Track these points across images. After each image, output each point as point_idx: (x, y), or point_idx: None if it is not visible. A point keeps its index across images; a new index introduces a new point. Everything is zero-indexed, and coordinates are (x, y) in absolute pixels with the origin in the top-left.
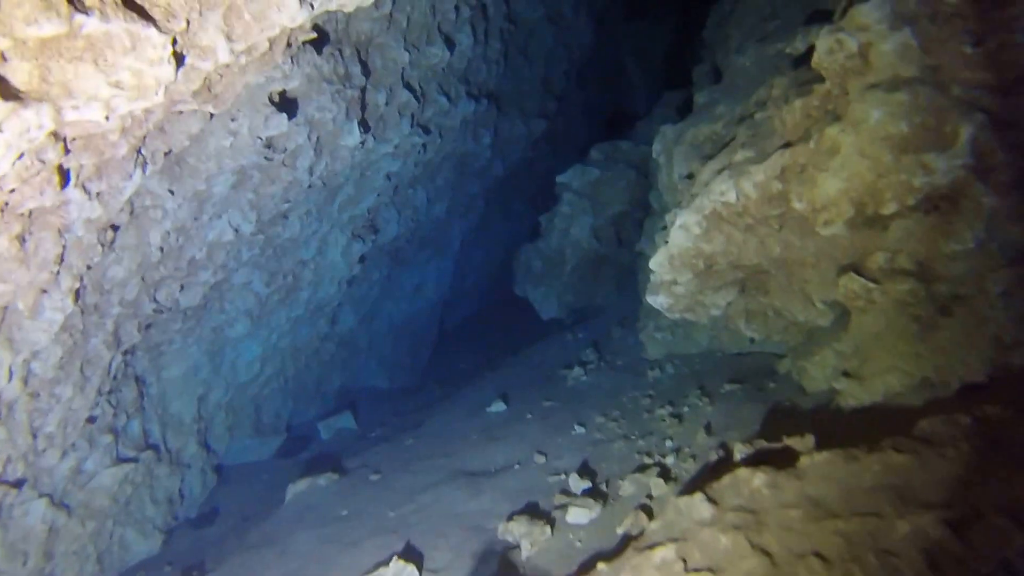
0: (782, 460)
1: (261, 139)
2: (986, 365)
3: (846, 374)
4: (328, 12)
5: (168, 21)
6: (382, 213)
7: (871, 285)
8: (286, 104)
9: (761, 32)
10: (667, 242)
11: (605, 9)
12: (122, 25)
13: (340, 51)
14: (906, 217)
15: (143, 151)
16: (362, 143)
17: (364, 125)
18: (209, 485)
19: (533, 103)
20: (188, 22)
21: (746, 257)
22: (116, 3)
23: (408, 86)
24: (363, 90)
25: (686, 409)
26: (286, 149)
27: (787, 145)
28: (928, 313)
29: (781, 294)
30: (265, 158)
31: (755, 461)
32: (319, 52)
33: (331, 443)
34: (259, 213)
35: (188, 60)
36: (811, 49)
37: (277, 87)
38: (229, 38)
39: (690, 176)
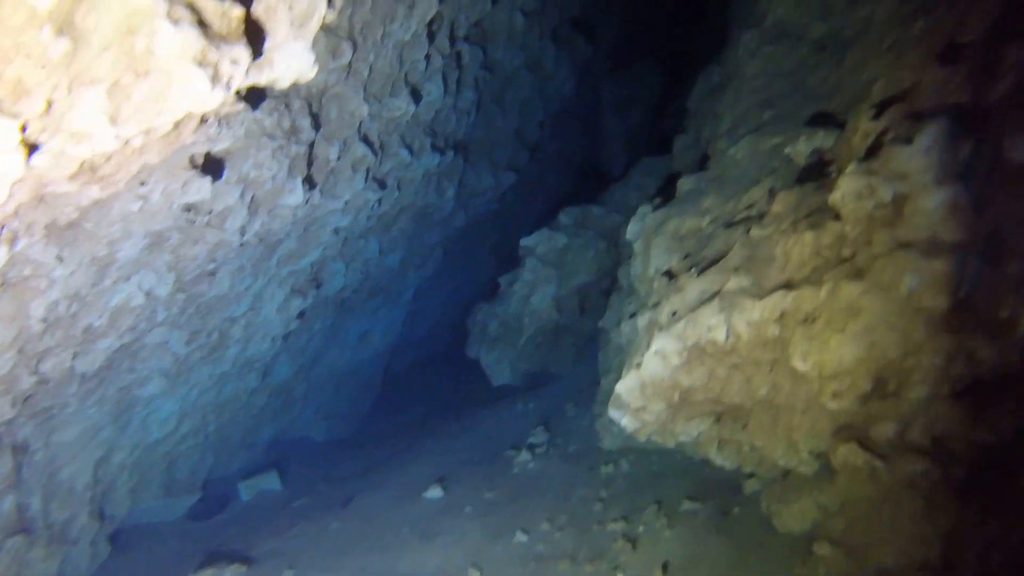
0: None
1: (179, 204)
2: (1014, 569)
3: (829, 539)
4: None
5: (17, 101)
6: (328, 266)
7: (876, 463)
8: (213, 164)
9: (756, 120)
10: (639, 365)
11: (588, 61)
12: None
13: (287, 103)
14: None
15: (14, 225)
16: (307, 200)
17: (310, 181)
18: (100, 558)
19: (504, 154)
20: (50, 104)
21: (728, 395)
22: None
23: (365, 140)
24: (311, 145)
25: (641, 529)
26: (212, 211)
27: (789, 285)
28: (941, 495)
29: (762, 434)
30: (187, 220)
31: None
32: (260, 104)
33: (250, 506)
34: (178, 274)
35: (55, 145)
36: (821, 161)
37: (201, 149)
38: (114, 121)
39: (668, 274)
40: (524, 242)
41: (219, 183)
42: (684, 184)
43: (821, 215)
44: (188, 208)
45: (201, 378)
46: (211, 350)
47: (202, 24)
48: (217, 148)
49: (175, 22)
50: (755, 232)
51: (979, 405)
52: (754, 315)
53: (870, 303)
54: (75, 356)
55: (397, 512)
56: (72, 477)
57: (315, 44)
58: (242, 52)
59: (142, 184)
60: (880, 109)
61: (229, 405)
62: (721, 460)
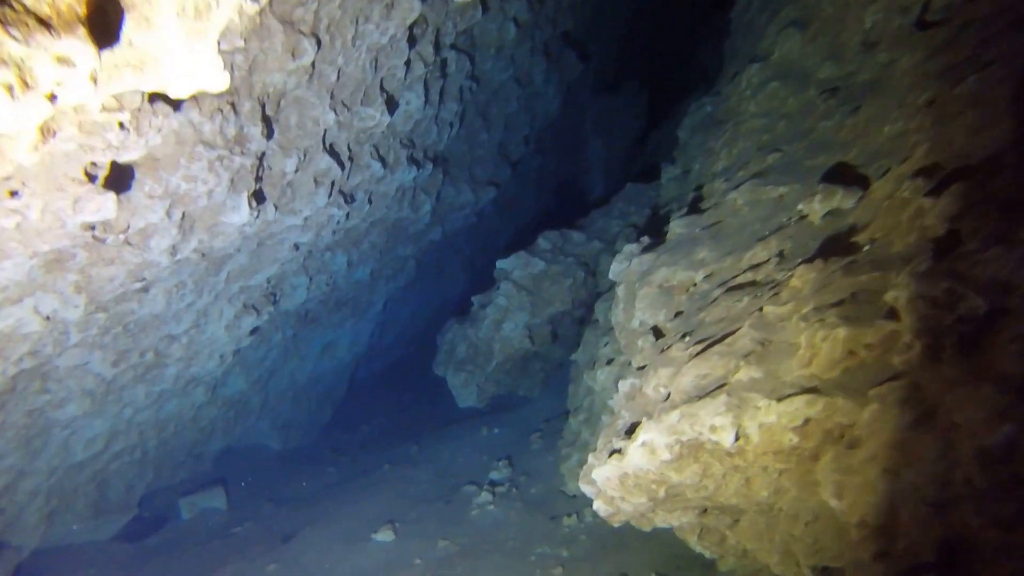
0: None
1: (75, 222)
2: None
3: None
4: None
5: None
6: (288, 280)
7: None
8: (121, 177)
9: (758, 164)
10: (621, 454)
11: (576, 79)
12: None
13: (234, 106)
14: None
15: None
16: (256, 217)
17: (259, 196)
18: None
19: (485, 169)
20: None
21: (722, 495)
22: None
23: (332, 151)
24: (261, 156)
25: None
26: (128, 228)
27: (816, 389)
28: None
29: (755, 538)
30: (93, 238)
31: None
32: (182, 106)
33: (188, 527)
34: (92, 295)
35: None
36: (843, 229)
37: (101, 159)
38: None
39: (655, 331)
40: (500, 264)
41: (136, 199)
42: (676, 227)
43: (859, 307)
44: (91, 227)
45: (136, 396)
46: (146, 369)
47: None
48: (126, 158)
49: None
50: (770, 310)
51: None
52: (770, 418)
53: (939, 452)
54: None
55: (341, 558)
56: None
57: (267, 38)
58: (79, 49)
59: (15, 195)
60: (937, 182)
61: (172, 421)
62: (701, 549)
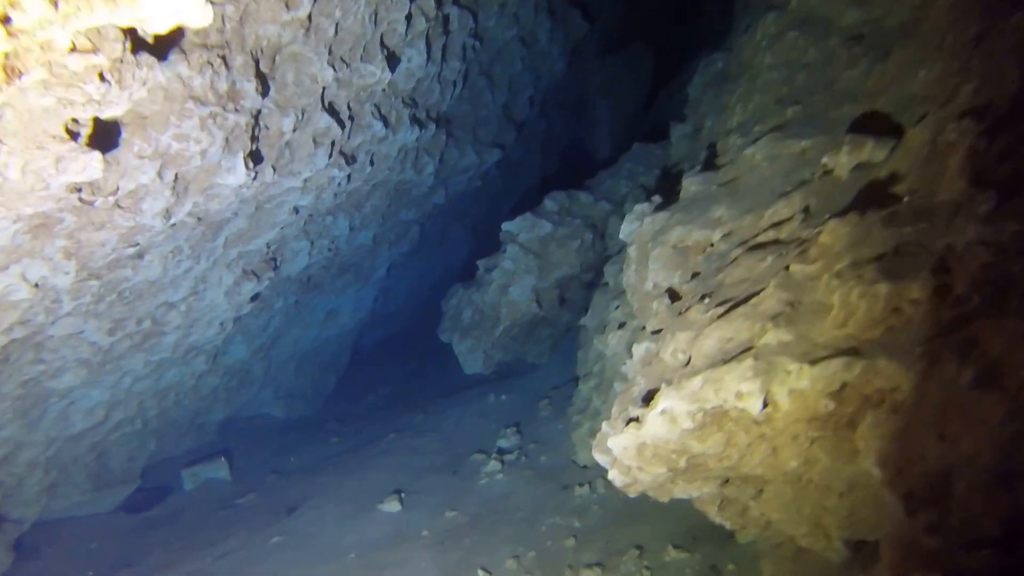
0: None
1: (60, 183)
2: None
3: None
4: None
5: None
6: (289, 244)
7: None
8: (107, 134)
9: (777, 118)
10: (639, 422)
11: (582, 39)
12: None
13: (225, 59)
14: None
15: None
16: (254, 179)
17: (256, 157)
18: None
19: (489, 130)
20: None
21: (747, 465)
22: None
23: (331, 110)
24: (257, 114)
25: None
26: (118, 190)
27: (853, 351)
28: None
29: (781, 508)
30: (80, 201)
31: None
32: (169, 56)
33: (191, 498)
34: (84, 261)
35: None
36: (875, 181)
37: (82, 114)
38: None
39: (670, 293)
40: (506, 227)
41: (125, 159)
42: (689, 185)
43: (903, 261)
44: (77, 188)
45: (134, 365)
46: (144, 338)
47: None
48: (109, 113)
49: None
50: (798, 269)
51: None
52: (802, 383)
53: (1007, 416)
54: None
55: (346, 529)
56: None
57: None
58: None
59: None
60: (991, 122)
61: (172, 390)
62: (721, 520)
